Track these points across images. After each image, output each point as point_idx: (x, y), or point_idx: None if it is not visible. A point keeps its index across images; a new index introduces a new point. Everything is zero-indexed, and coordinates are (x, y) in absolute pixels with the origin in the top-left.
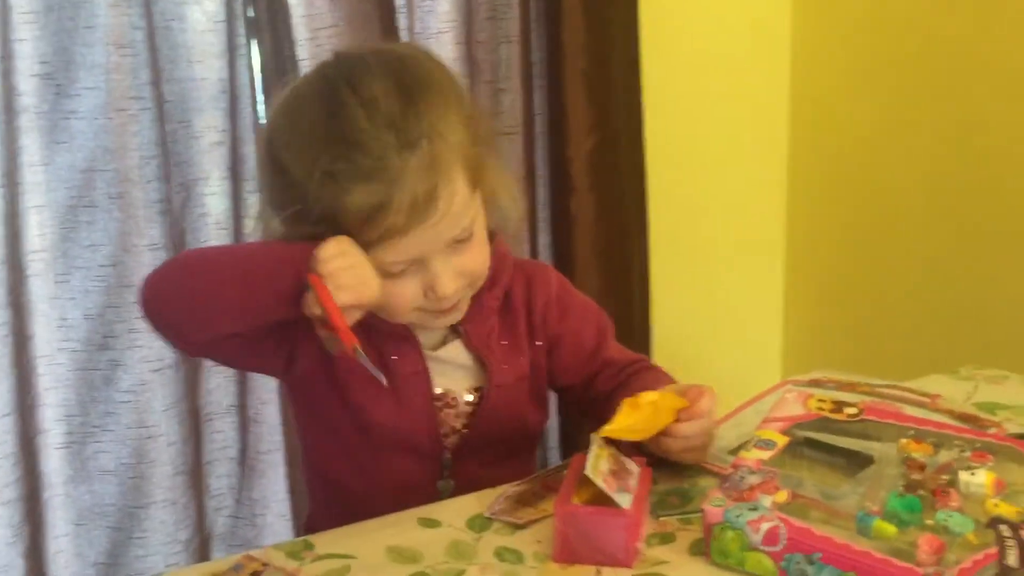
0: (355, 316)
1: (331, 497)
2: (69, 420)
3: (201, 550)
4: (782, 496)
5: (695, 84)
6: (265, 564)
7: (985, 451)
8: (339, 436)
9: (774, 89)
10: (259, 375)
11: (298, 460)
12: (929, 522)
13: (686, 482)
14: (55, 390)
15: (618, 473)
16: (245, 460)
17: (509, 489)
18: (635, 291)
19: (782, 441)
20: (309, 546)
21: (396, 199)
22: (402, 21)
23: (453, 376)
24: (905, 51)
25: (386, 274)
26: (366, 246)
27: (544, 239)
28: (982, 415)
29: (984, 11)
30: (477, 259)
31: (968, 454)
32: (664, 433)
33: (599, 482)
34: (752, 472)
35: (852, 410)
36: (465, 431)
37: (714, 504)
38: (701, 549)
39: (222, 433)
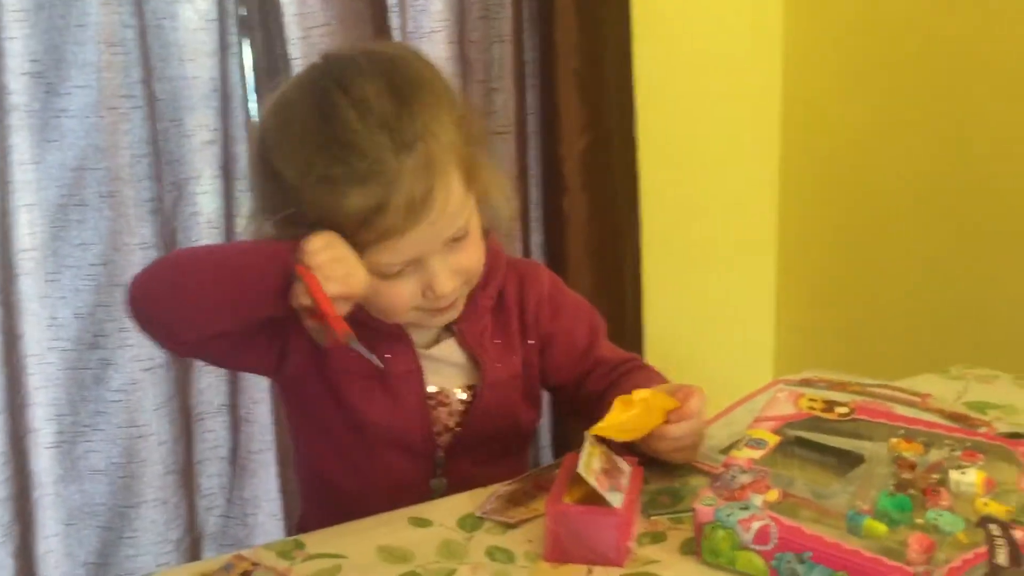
0: (344, 308)
1: (324, 496)
2: (59, 419)
3: (192, 550)
4: (773, 495)
5: (688, 84)
6: (256, 564)
7: (975, 450)
8: (332, 435)
9: (767, 88)
10: (250, 374)
11: (290, 460)
12: (919, 521)
13: (677, 481)
14: (45, 389)
15: (610, 472)
16: (236, 460)
17: (500, 488)
18: (627, 290)
19: (773, 440)
20: (300, 545)
21: (393, 201)
22: (394, 20)
23: (446, 374)
24: (896, 51)
25: (383, 275)
26: (363, 248)
27: (536, 238)
28: (972, 414)
29: (976, 12)
30: (473, 257)
31: (958, 453)
32: (654, 434)
33: (591, 481)
34: (743, 471)
35: (843, 409)
36: (458, 429)
37: (705, 503)
38: (692, 548)
39: (213, 432)
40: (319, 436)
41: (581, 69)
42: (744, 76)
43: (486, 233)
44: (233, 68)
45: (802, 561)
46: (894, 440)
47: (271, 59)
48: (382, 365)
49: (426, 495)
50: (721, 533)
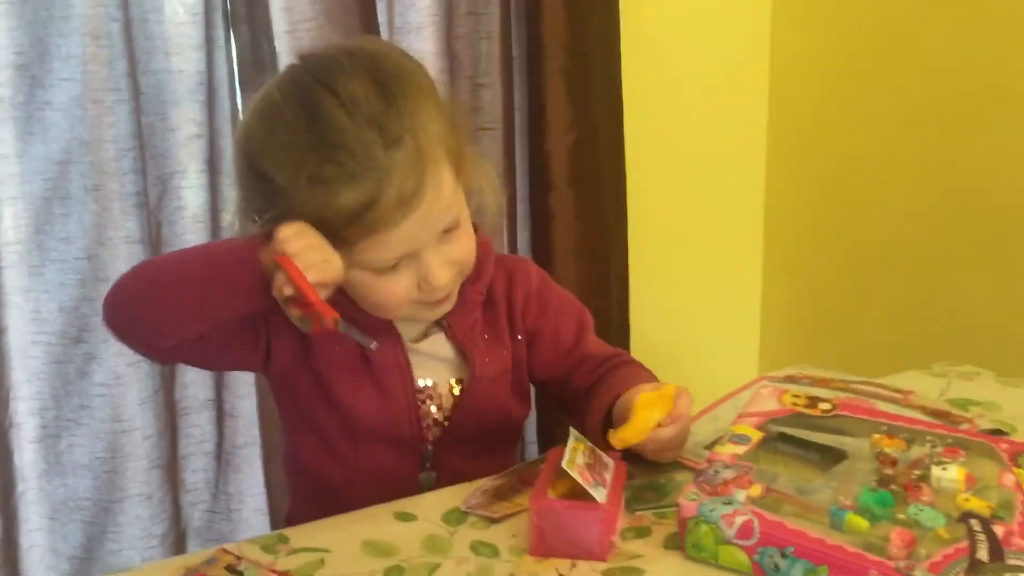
0: (323, 294)
1: (312, 490)
2: (43, 413)
3: (177, 544)
4: (756, 490)
5: (675, 81)
6: (239, 557)
7: (957, 447)
8: (321, 429)
9: (754, 86)
10: None
11: (275, 455)
12: (901, 516)
13: (661, 476)
14: (29, 383)
15: (594, 467)
16: (221, 454)
17: (485, 483)
18: (614, 287)
19: (757, 436)
20: (284, 539)
21: (384, 195)
22: (382, 15)
23: (435, 368)
24: (884, 52)
25: (378, 271)
26: (355, 243)
27: (523, 235)
28: (954, 411)
29: (963, 17)
30: (465, 247)
31: (940, 450)
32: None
33: (575, 475)
34: (727, 467)
35: (826, 406)
36: (447, 423)
37: (689, 498)
38: (676, 543)
39: (198, 427)
40: (308, 430)
41: (568, 66)
42: (731, 73)
43: (475, 227)
44: (219, 62)
45: (784, 556)
46: (876, 436)
47: (257, 53)
48: (375, 345)
49: (415, 489)
50: (704, 528)
